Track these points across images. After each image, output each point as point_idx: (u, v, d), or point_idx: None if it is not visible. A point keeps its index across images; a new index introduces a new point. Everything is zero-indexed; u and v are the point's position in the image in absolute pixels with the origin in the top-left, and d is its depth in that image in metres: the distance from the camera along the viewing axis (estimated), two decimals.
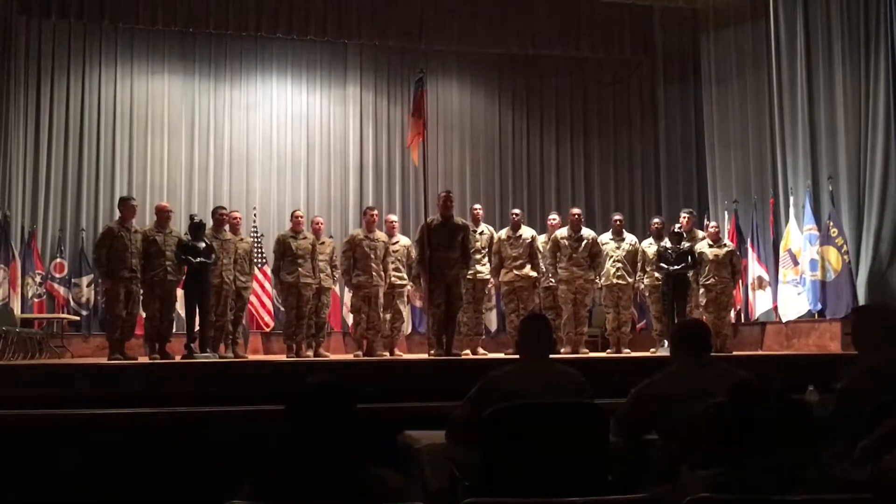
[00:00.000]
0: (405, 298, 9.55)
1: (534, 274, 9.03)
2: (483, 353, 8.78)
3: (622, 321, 9.26)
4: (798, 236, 9.78)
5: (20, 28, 11.10)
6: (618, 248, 9.27)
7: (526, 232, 9.17)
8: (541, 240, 9.30)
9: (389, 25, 11.86)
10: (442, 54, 12.45)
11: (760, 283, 10.43)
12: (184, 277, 8.11)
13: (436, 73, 12.33)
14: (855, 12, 9.58)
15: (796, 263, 9.77)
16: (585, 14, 12.38)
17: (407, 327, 10.72)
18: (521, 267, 8.99)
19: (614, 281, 9.19)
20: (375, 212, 9.17)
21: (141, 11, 11.07)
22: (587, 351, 9.16)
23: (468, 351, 8.68)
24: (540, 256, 9.11)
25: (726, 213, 11.23)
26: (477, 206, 9.54)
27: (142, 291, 8.02)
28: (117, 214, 8.35)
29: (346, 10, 11.71)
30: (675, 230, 8.99)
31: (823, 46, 9.90)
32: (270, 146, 12.10)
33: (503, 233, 9.24)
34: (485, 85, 12.83)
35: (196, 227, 8.04)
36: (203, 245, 8.00)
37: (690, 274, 8.93)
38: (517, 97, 12.91)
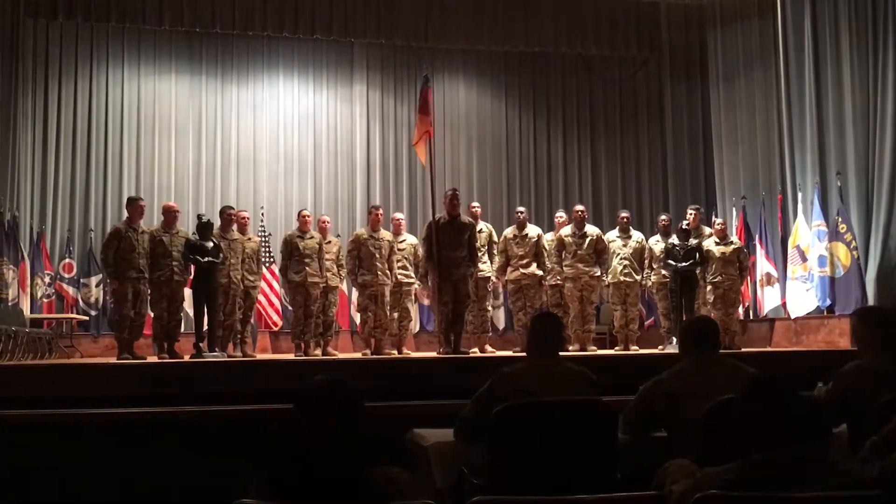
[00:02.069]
0: (413, 297, 9.54)
1: (540, 272, 9.02)
2: (491, 351, 8.78)
3: (630, 318, 9.24)
4: (806, 232, 9.75)
5: (27, 30, 11.13)
6: (625, 245, 9.26)
7: (531, 230, 9.16)
8: (547, 238, 9.29)
9: (395, 24, 11.86)
10: (448, 52, 12.44)
11: (769, 280, 10.39)
12: (192, 277, 8.13)
13: (441, 72, 12.34)
14: (862, 7, 9.55)
15: (805, 260, 9.74)
16: (591, 11, 12.36)
17: (415, 326, 10.72)
18: (528, 265, 8.98)
19: (621, 278, 9.17)
20: (380, 211, 9.16)
21: (147, 12, 11.11)
22: (595, 348, 9.14)
23: (476, 349, 8.69)
24: (546, 254, 9.10)
25: (734, 209, 11.20)
26: (475, 204, 9.51)
27: (149, 291, 8.04)
28: (125, 214, 8.37)
29: (353, 9, 11.72)
30: (683, 227, 8.96)
31: (831, 42, 9.85)
32: (277, 146, 12.12)
33: (509, 231, 9.24)
34: (491, 83, 12.82)
35: (203, 227, 8.04)
36: (211, 245, 8.00)
37: (698, 271, 8.91)
38: (523, 95, 12.89)
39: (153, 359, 7.95)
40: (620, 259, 9.19)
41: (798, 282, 9.81)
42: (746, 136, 11.35)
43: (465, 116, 12.68)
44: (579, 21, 12.39)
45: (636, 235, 9.43)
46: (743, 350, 8.56)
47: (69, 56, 11.54)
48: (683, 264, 8.68)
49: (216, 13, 11.31)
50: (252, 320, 9.22)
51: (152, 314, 8.13)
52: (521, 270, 8.98)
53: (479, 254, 8.81)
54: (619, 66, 13.10)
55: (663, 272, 9.03)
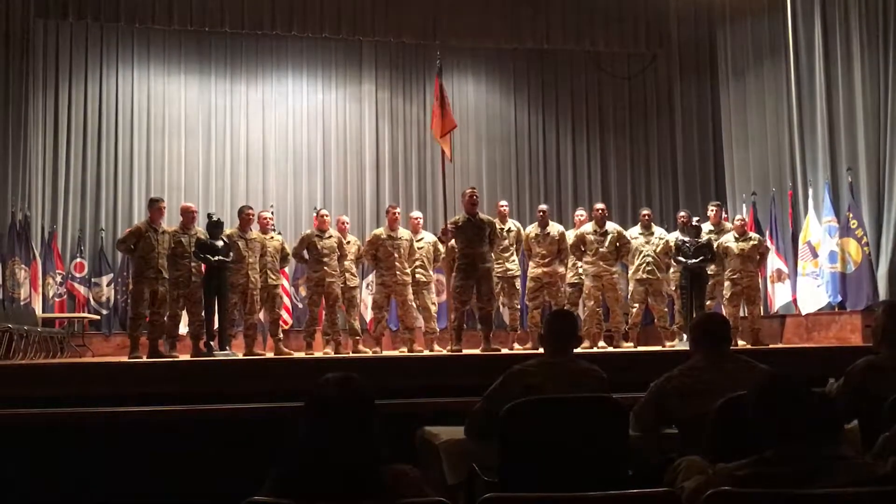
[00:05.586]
0: (433, 295, 9.46)
1: (562, 270, 9.04)
2: (519, 349, 8.78)
3: (659, 315, 9.24)
4: (817, 228, 9.71)
5: (38, 30, 11.19)
6: (647, 242, 9.24)
7: (553, 228, 9.16)
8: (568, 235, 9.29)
9: (404, 22, 11.86)
10: (456, 50, 12.43)
11: (779, 276, 10.35)
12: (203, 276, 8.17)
13: (450, 69, 12.32)
14: (873, 2, 9.49)
15: (815, 256, 9.70)
16: (600, 8, 12.35)
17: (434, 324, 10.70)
18: (549, 264, 8.99)
19: (644, 276, 9.15)
20: (398, 210, 9.19)
21: (157, 12, 11.16)
22: (605, 345, 9.13)
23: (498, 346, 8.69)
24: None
25: (744, 205, 11.16)
26: (503, 203, 9.51)
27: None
28: (136, 214, 8.43)
29: (361, 7, 11.72)
30: (693, 223, 8.93)
31: (841, 37, 9.80)
32: (286, 144, 12.14)
33: (531, 229, 9.24)
34: (500, 80, 12.81)
35: (214, 226, 8.07)
36: (221, 244, 8.03)
37: (711, 268, 8.87)
38: (532, 92, 12.88)
39: (186, 356, 8.00)
40: (643, 256, 9.18)
41: (809, 278, 9.77)
42: (756, 133, 11.30)
43: (475, 114, 12.68)
44: (588, 18, 12.38)
45: (658, 232, 9.41)
46: (750, 347, 8.51)
47: (79, 56, 11.60)
48: (693, 261, 8.66)
49: (225, 13, 11.34)
50: (262, 318, 9.19)
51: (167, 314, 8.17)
52: (544, 269, 8.99)
53: (507, 253, 8.85)
54: (629, 63, 13.07)
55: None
